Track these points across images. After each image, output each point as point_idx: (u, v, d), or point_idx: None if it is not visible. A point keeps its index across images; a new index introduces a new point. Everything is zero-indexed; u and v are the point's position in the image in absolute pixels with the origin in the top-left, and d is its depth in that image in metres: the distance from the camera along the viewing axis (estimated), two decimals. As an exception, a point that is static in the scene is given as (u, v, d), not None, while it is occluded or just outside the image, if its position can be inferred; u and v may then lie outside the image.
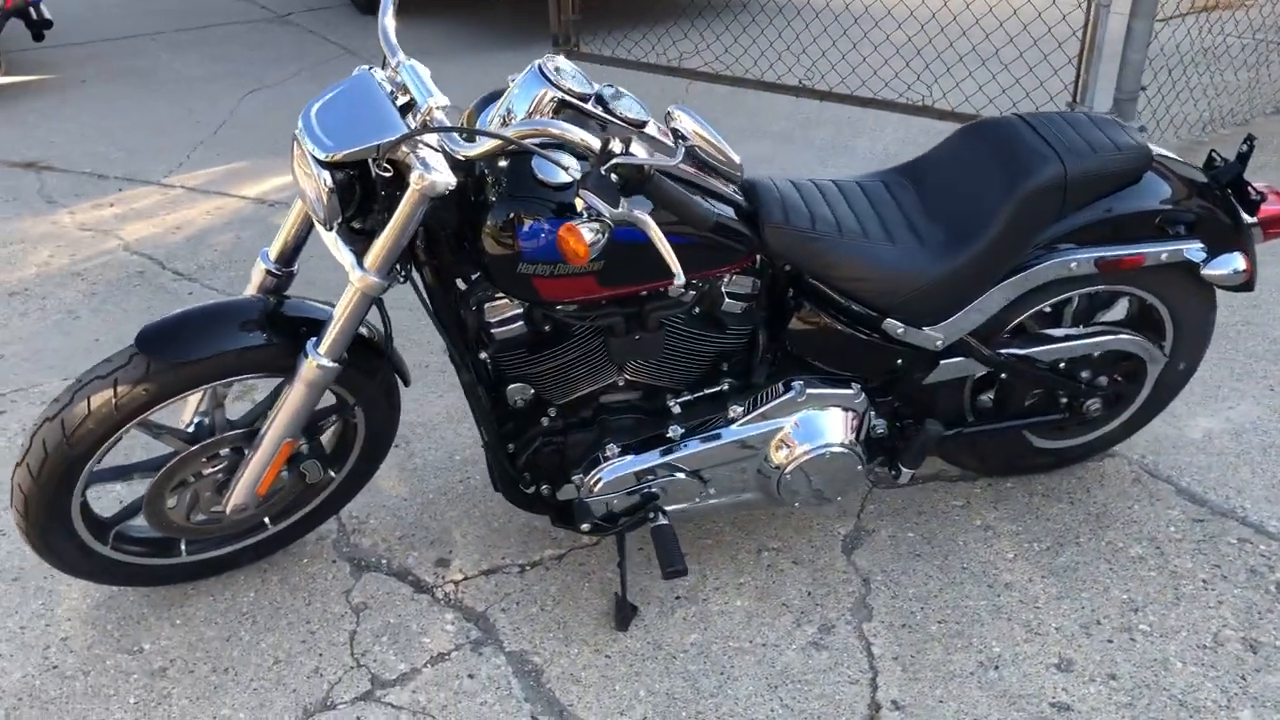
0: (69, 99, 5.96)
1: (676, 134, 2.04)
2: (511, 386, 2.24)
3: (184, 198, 4.67)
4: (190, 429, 2.32)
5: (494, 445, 2.28)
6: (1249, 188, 2.44)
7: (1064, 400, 2.59)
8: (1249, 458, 2.87)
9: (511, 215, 1.94)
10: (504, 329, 2.15)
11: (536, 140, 1.83)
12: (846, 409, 2.37)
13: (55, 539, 2.22)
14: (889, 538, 2.63)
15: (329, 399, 2.33)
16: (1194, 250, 2.38)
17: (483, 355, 2.18)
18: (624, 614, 2.39)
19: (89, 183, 4.83)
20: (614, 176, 1.78)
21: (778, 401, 2.33)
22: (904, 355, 2.36)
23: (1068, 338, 2.50)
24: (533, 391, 2.26)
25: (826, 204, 2.29)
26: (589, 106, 1.92)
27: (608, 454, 2.30)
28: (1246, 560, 2.53)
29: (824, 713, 2.18)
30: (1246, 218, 2.44)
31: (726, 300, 2.25)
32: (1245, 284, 2.50)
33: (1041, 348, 2.48)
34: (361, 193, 1.97)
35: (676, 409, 2.35)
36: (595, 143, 1.80)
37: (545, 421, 2.32)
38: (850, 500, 2.75)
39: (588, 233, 1.78)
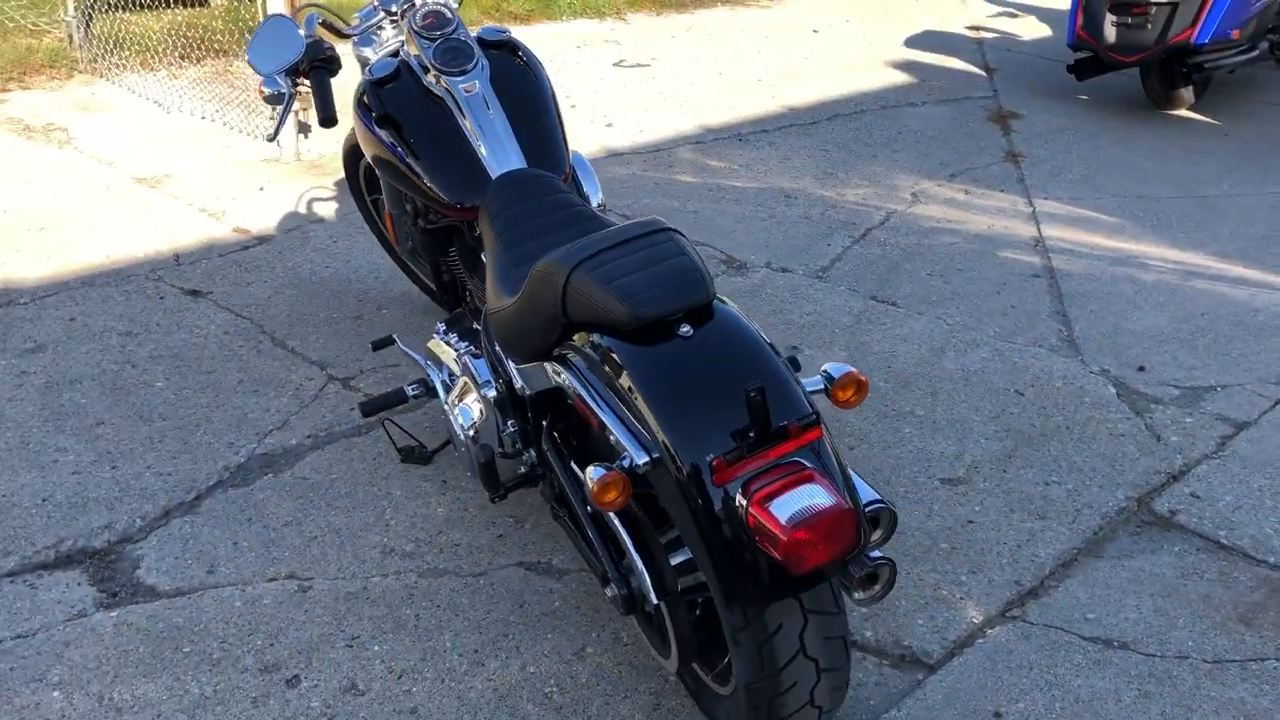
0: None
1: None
2: None
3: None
4: None
5: (421, 263, 3.07)
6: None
7: None
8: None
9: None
10: None
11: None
12: (470, 380, 2.42)
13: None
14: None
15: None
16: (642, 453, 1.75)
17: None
18: (418, 453, 2.81)
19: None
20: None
21: (441, 335, 2.65)
22: (506, 376, 2.28)
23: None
24: None
25: (541, 213, 2.33)
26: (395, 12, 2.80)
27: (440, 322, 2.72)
28: None
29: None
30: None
31: (426, 225, 2.66)
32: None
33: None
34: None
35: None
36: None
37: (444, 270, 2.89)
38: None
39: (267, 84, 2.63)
